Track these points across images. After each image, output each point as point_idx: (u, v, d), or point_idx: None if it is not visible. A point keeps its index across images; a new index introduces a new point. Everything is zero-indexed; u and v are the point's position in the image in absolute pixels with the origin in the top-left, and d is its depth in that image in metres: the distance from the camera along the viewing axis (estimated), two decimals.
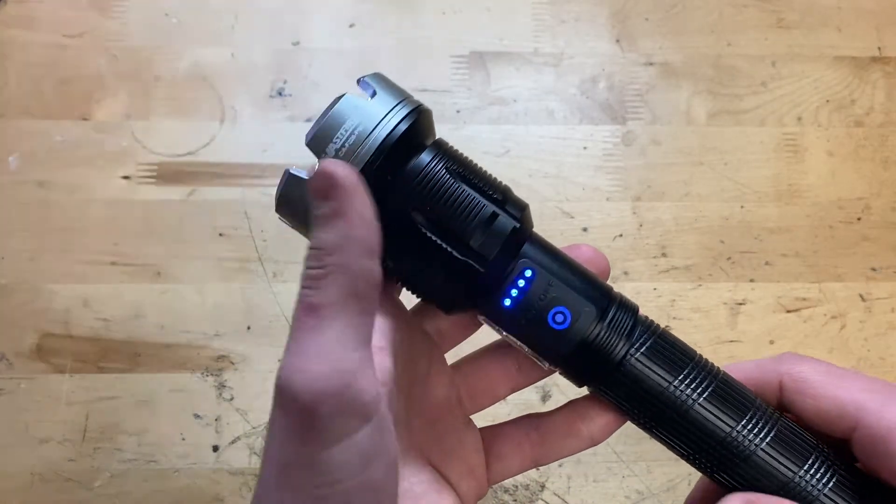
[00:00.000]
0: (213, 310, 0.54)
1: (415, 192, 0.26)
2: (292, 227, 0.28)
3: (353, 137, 0.26)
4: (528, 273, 0.28)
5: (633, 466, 0.52)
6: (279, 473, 0.22)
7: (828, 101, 0.62)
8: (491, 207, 0.27)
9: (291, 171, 0.26)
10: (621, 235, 0.57)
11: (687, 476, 0.52)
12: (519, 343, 0.29)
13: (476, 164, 0.28)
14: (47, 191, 0.56)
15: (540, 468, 0.52)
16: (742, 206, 0.59)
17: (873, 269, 0.58)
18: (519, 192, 0.29)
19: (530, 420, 0.32)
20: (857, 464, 0.28)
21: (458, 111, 0.60)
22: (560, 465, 0.52)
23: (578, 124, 0.60)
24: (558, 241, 0.30)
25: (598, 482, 0.52)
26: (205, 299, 0.55)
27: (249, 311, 0.55)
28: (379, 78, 0.28)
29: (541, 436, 0.32)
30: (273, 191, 0.27)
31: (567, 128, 0.60)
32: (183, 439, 0.52)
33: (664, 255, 0.57)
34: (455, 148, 0.28)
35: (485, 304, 0.28)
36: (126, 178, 0.57)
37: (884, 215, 0.59)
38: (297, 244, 0.56)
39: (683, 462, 0.31)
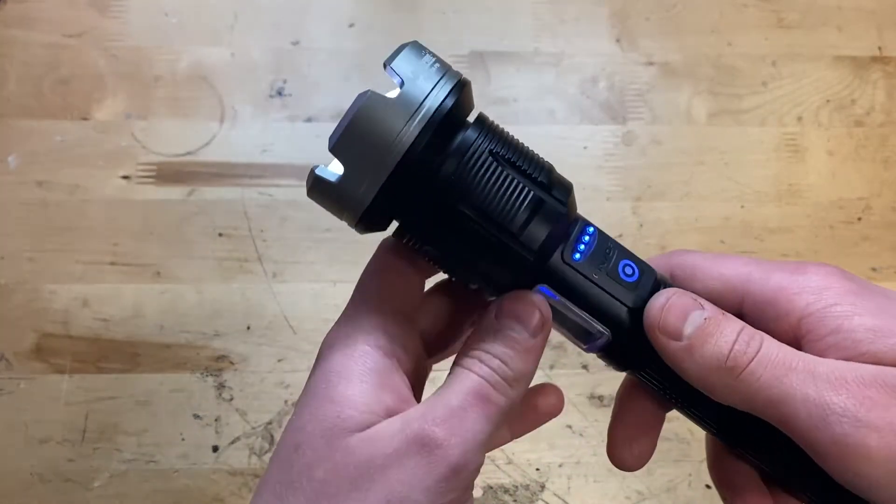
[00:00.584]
0: (212, 310, 0.54)
1: (473, 166, 0.26)
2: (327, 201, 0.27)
3: (439, 63, 0.26)
4: (591, 229, 0.28)
5: None
6: None
7: (828, 100, 0.62)
8: (547, 174, 0.27)
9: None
10: (621, 235, 0.57)
11: (687, 477, 0.52)
12: (578, 312, 0.28)
13: (519, 141, 0.28)
14: (47, 191, 0.56)
15: (540, 468, 0.52)
16: (742, 206, 0.59)
17: (874, 269, 0.58)
18: None
19: None
20: None
21: None
22: (560, 466, 0.52)
23: (578, 124, 0.60)
24: None
25: (598, 482, 0.52)
26: (204, 299, 0.55)
27: (249, 311, 0.55)
28: (419, 48, 0.27)
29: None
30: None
31: (567, 128, 0.60)
32: (182, 439, 0.52)
33: None
34: (496, 123, 0.28)
35: (550, 270, 0.27)
36: (126, 177, 0.57)
37: (884, 215, 0.59)
38: (296, 244, 0.56)
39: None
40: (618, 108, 0.61)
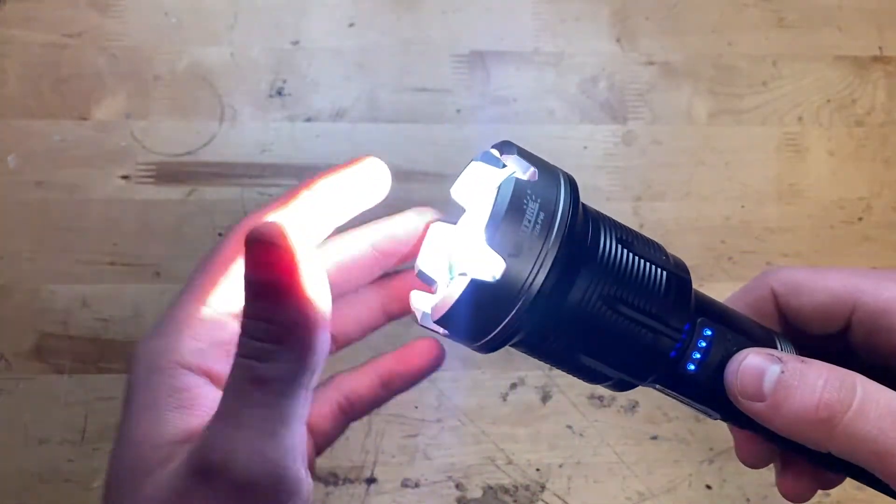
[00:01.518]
0: None
1: (605, 275, 0.25)
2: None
3: (542, 214, 0.24)
4: (708, 332, 0.27)
5: (633, 467, 0.52)
6: None
7: (829, 100, 0.62)
8: (672, 273, 0.26)
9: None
10: None
11: (687, 477, 0.52)
12: (694, 403, 0.27)
13: (629, 255, 0.27)
14: (46, 190, 0.56)
15: (540, 468, 0.52)
16: (743, 206, 0.59)
17: (875, 270, 0.58)
18: None
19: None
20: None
21: (458, 111, 0.60)
22: (560, 466, 0.52)
23: (579, 124, 0.60)
24: None
25: (598, 483, 0.52)
26: None
27: None
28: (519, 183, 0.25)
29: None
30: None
31: (567, 127, 0.60)
32: None
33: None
34: (605, 223, 0.28)
35: (665, 375, 0.26)
36: (125, 177, 0.57)
37: (885, 215, 0.59)
38: None
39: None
40: (618, 107, 0.61)
